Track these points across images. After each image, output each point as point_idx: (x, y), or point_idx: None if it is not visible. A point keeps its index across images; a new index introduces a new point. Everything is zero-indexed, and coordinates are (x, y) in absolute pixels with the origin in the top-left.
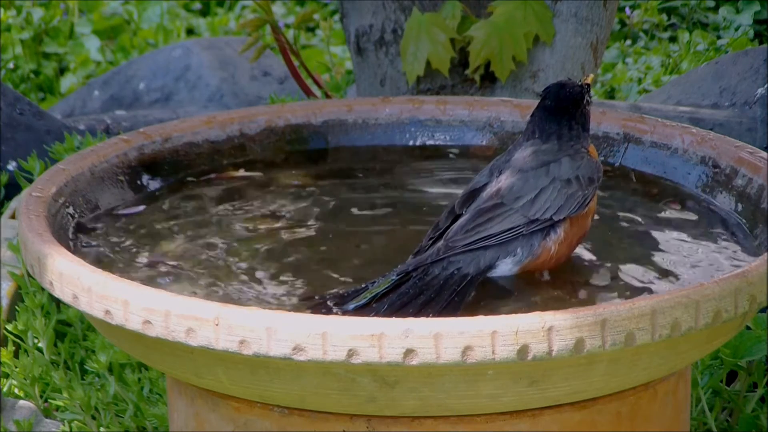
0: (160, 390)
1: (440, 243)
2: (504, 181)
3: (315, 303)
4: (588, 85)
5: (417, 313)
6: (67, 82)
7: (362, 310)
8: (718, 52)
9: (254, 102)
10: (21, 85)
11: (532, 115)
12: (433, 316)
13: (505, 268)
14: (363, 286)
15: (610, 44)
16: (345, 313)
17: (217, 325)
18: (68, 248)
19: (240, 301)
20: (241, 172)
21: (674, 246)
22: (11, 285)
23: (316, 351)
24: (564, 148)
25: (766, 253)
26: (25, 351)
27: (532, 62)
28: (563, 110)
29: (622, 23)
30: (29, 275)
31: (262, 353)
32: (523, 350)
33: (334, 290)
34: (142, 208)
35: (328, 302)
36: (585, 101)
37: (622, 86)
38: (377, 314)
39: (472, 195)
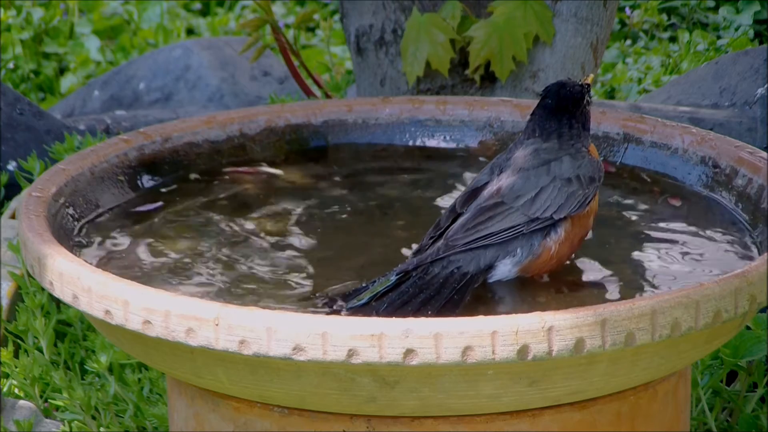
0: (160, 390)
1: (441, 242)
2: (505, 179)
3: (315, 302)
4: (588, 84)
5: (416, 312)
6: (67, 82)
7: (362, 309)
8: (718, 52)
9: (254, 102)
10: (21, 85)
11: (532, 114)
12: (433, 314)
13: (505, 268)
14: (363, 285)
15: (610, 44)
16: (345, 312)
17: (217, 325)
18: (68, 248)
19: (240, 301)
20: (265, 168)
21: (674, 246)
22: (11, 285)
23: (316, 351)
24: (565, 147)
25: (766, 253)
26: (25, 351)
27: (532, 62)
28: (564, 109)
29: (622, 23)
30: (29, 275)
31: (262, 353)
32: (523, 350)
33: (335, 289)
34: (156, 205)
35: (328, 301)
36: (585, 101)
37: (622, 86)
38: (377, 313)
39: (474, 194)
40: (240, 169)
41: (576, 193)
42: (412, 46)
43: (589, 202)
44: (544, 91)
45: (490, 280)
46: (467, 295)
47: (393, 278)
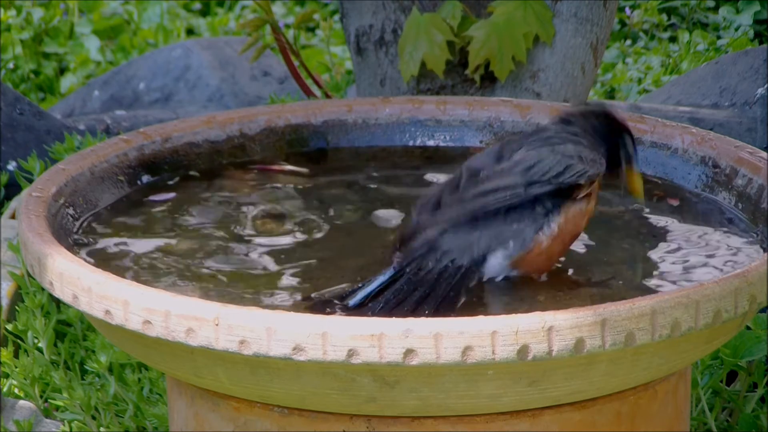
0: (160, 390)
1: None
2: (505, 159)
3: (313, 302)
4: (631, 134)
5: (413, 311)
6: (67, 82)
7: (359, 309)
8: (718, 52)
9: (254, 102)
10: (21, 85)
11: (566, 122)
12: (430, 313)
13: (496, 262)
14: (360, 285)
15: (610, 44)
16: (343, 313)
17: (217, 325)
18: (69, 248)
19: (240, 301)
20: (287, 166)
21: (674, 246)
22: (11, 285)
23: (316, 351)
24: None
25: (766, 254)
26: (25, 351)
27: (532, 62)
28: (604, 135)
29: (622, 23)
30: (29, 275)
31: (262, 353)
32: (523, 350)
33: (333, 289)
34: (169, 196)
35: (326, 301)
36: (620, 142)
37: (622, 86)
38: (373, 313)
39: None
40: (268, 166)
41: (576, 166)
42: (410, 45)
43: (590, 176)
44: (596, 108)
45: (484, 279)
46: (463, 292)
47: (388, 275)
